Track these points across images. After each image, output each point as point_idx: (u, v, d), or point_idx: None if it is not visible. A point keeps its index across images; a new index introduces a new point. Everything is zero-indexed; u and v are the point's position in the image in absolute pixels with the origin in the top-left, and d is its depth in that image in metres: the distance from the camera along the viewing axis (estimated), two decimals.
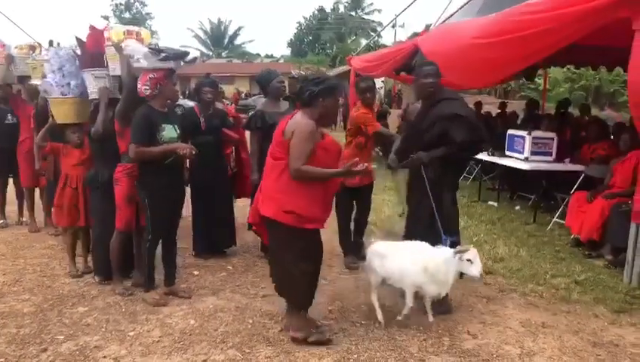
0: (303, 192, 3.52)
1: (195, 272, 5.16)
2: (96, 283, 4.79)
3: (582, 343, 3.89)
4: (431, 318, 4.07)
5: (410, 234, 4.36)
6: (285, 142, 3.52)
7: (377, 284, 4.11)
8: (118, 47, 4.40)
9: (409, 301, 3.94)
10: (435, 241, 3.99)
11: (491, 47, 5.92)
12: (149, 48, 4.29)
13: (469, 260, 3.74)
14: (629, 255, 5.03)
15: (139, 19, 52.31)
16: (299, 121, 3.53)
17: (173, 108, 4.70)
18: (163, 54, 4.28)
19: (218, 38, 56.81)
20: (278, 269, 3.83)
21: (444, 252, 3.84)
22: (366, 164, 3.60)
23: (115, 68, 4.52)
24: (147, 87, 4.21)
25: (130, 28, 4.68)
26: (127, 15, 55.83)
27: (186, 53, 4.56)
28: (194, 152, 4.27)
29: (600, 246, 5.90)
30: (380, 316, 4.06)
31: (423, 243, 3.99)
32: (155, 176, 4.24)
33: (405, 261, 3.92)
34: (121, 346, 3.71)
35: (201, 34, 56.68)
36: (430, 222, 4.19)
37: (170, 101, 4.58)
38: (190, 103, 5.98)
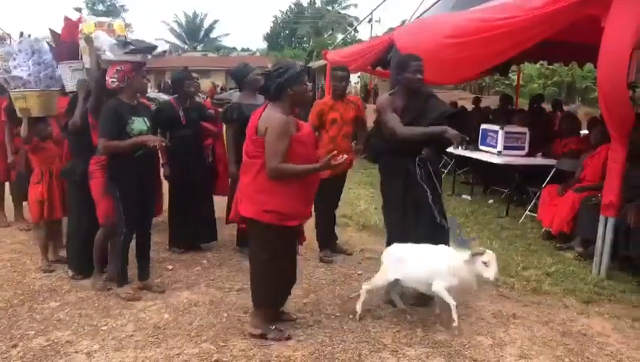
0: (282, 190, 3.45)
1: (170, 267, 5.12)
2: (68, 278, 4.73)
3: (551, 333, 3.97)
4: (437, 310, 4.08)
5: (416, 234, 4.17)
6: (259, 140, 3.44)
7: (391, 286, 4.13)
8: (88, 40, 4.34)
9: (450, 301, 3.81)
10: (442, 239, 4.07)
11: (465, 45, 6.01)
12: (117, 40, 4.23)
13: (484, 263, 3.70)
14: (597, 247, 5.14)
15: (112, 12, 51.40)
16: (271, 117, 3.43)
17: (142, 102, 4.62)
18: (130, 47, 4.22)
19: (193, 31, 56.18)
20: (255, 271, 3.74)
21: (463, 254, 3.78)
22: (345, 156, 3.50)
23: (87, 61, 4.46)
24: (114, 80, 4.16)
25: (102, 20, 4.60)
26: (100, 7, 54.86)
27: (154, 47, 4.48)
28: (164, 144, 4.25)
29: (570, 238, 6.01)
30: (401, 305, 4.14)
31: (440, 246, 3.97)
32: (125, 169, 4.20)
33: (431, 264, 3.85)
34: (94, 341, 3.67)
35: (176, 27, 55.93)
36: (433, 219, 4.23)
37: (139, 94, 4.53)
38: (164, 97, 5.93)
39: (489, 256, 3.75)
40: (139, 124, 4.23)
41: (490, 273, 3.71)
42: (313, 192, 3.70)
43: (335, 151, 3.48)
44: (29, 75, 4.71)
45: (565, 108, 14.38)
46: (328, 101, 5.43)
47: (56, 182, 4.90)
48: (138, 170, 4.26)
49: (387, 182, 4.49)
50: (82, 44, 4.45)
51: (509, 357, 3.61)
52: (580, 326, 4.10)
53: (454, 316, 3.81)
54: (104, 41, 4.23)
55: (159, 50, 4.52)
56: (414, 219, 4.30)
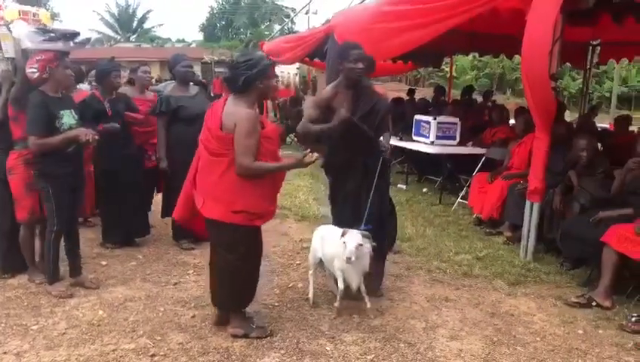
0: (251, 189, 3.33)
1: (104, 262, 5.00)
2: None
3: (481, 314, 4.15)
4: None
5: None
6: (226, 137, 3.26)
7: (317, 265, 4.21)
8: (9, 28, 4.15)
9: (340, 284, 3.92)
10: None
11: (399, 14, 6.17)
12: (35, 28, 4.05)
13: (344, 243, 3.70)
14: (524, 231, 5.38)
15: (39, 0, 49.25)
16: (239, 112, 3.26)
17: (66, 94, 4.39)
18: (49, 34, 4.04)
19: (126, 21, 54.45)
20: (223, 273, 3.57)
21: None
22: (317, 154, 3.43)
23: (7, 50, 4.27)
24: (34, 70, 3.95)
25: (26, 8, 4.42)
26: None
27: (76, 34, 4.27)
28: (97, 137, 4.09)
29: (499, 224, 6.28)
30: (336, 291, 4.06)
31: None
32: (57, 165, 4.04)
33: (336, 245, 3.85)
34: (24, 341, 3.55)
35: (108, 17, 54.14)
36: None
37: (63, 87, 4.30)
38: (85, 87, 5.77)
39: (350, 234, 3.73)
40: (68, 118, 4.08)
41: (346, 252, 3.66)
42: (279, 189, 3.65)
43: (308, 150, 3.42)
44: None
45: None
46: None
47: None
48: (70, 166, 4.12)
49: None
50: (2, 31, 4.25)
51: (441, 338, 3.75)
52: (507, 307, 4.30)
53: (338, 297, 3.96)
54: (21, 29, 4.04)
55: (82, 37, 4.32)
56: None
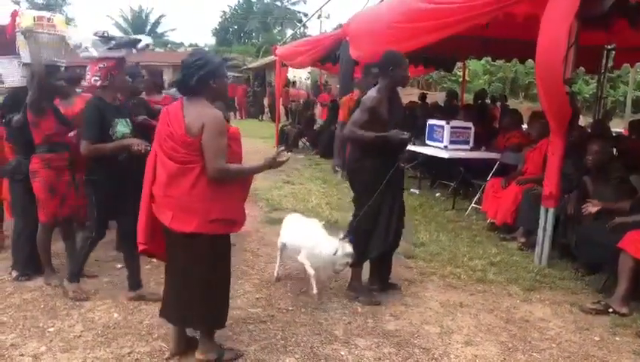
0: (225, 195, 3.15)
1: (118, 266, 5.01)
2: (11, 280, 4.58)
3: (496, 320, 4.13)
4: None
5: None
6: (193, 141, 3.04)
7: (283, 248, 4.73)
8: (27, 34, 4.19)
9: (309, 270, 4.39)
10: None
11: (412, 14, 6.28)
12: (99, 36, 4.08)
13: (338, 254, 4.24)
14: (538, 237, 5.35)
15: (53, 5, 49.63)
16: (206, 113, 3.06)
17: (122, 102, 4.37)
18: (113, 42, 4.05)
19: (139, 26, 54.84)
20: (201, 291, 3.23)
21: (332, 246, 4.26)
22: (289, 153, 3.43)
23: (25, 55, 4.32)
24: (97, 78, 3.99)
25: (41, 13, 4.46)
26: (40, 0, 52.93)
27: (138, 40, 4.28)
28: (149, 148, 3.80)
29: (514, 229, 6.24)
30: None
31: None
32: (106, 174, 4.00)
33: (306, 237, 4.50)
34: (41, 343, 3.58)
35: (122, 22, 54.58)
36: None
37: (120, 93, 4.28)
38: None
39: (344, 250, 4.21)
40: (122, 126, 4.05)
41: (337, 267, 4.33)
42: (247, 193, 3.49)
43: (282, 147, 3.38)
44: None
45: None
46: (355, 96, 5.46)
47: None
48: (119, 175, 4.03)
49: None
50: (20, 38, 4.31)
51: (456, 344, 3.74)
52: (522, 313, 4.28)
53: (313, 283, 4.33)
54: (85, 38, 4.06)
55: (143, 43, 4.30)
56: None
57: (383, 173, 4.19)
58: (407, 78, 4.36)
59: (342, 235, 4.26)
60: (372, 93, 4.24)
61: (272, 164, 3.25)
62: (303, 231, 4.55)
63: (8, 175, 4.61)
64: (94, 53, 4.04)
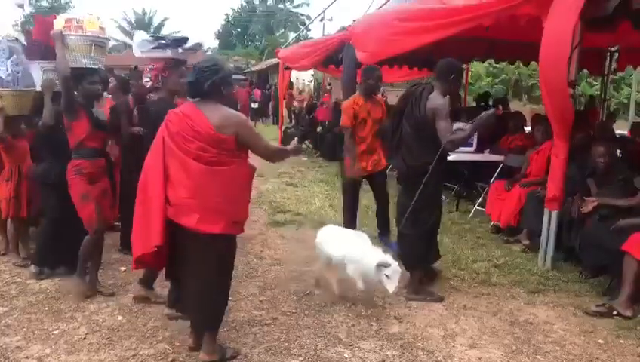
0: (244, 197, 3.32)
1: (122, 268, 5.05)
2: (16, 283, 4.60)
3: (500, 323, 4.12)
4: None
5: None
6: (226, 139, 3.12)
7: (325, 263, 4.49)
8: (55, 37, 4.18)
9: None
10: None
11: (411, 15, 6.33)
12: (149, 36, 4.07)
13: (387, 275, 3.98)
14: (542, 239, 5.34)
15: (57, 8, 49.72)
16: (231, 113, 3.20)
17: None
18: (158, 42, 4.03)
19: (143, 28, 54.83)
20: (210, 291, 3.30)
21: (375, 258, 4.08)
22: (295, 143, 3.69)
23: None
24: (147, 79, 4.03)
25: (70, 16, 4.44)
26: (44, 3, 53.03)
27: (185, 39, 4.22)
28: None
29: (517, 231, 6.23)
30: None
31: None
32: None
33: (347, 250, 4.28)
34: (45, 345, 3.59)
35: (125, 25, 54.73)
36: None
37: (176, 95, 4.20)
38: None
39: (392, 270, 3.99)
40: None
41: (391, 286, 4.00)
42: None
43: (296, 138, 3.60)
44: (8, 75, 4.60)
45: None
46: (358, 100, 5.48)
47: (25, 181, 4.91)
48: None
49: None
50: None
51: (460, 347, 3.73)
52: (526, 316, 4.27)
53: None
54: (136, 39, 4.07)
55: (191, 43, 4.24)
56: None
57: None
58: (459, 89, 4.34)
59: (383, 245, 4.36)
60: (438, 99, 4.26)
61: (296, 150, 3.65)
62: (346, 243, 4.34)
63: (39, 178, 4.67)
64: (139, 53, 4.04)
